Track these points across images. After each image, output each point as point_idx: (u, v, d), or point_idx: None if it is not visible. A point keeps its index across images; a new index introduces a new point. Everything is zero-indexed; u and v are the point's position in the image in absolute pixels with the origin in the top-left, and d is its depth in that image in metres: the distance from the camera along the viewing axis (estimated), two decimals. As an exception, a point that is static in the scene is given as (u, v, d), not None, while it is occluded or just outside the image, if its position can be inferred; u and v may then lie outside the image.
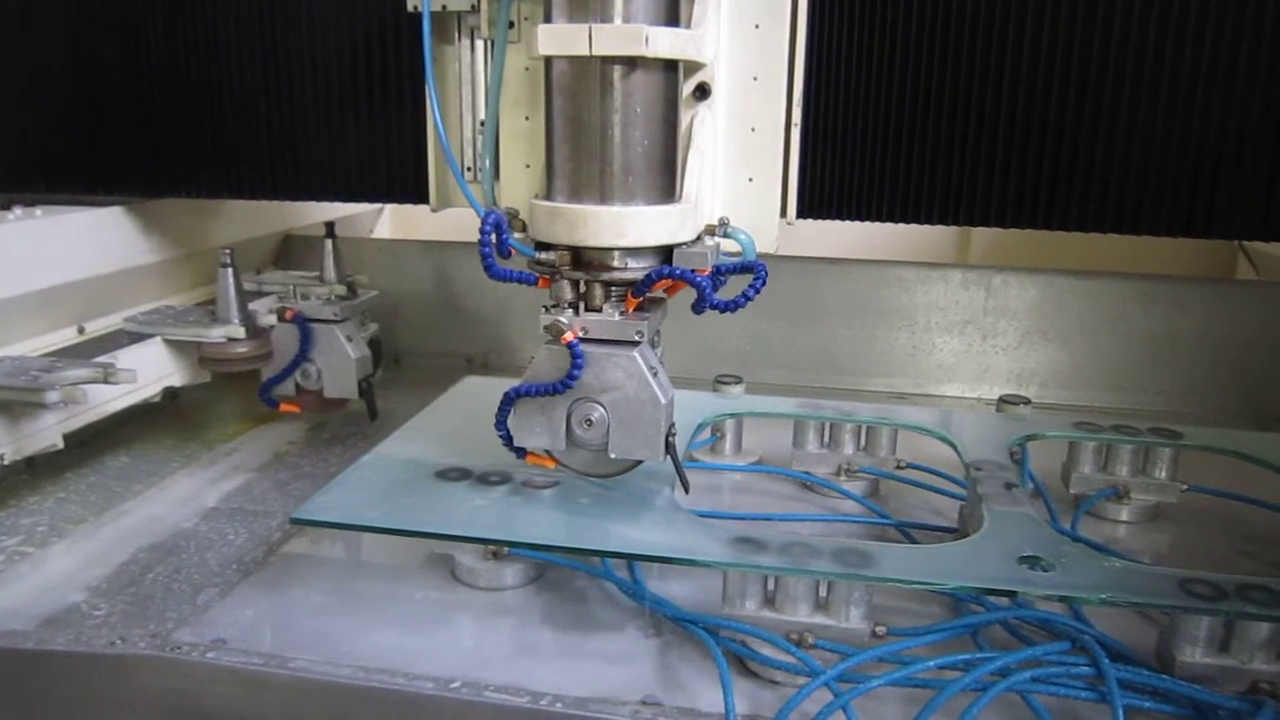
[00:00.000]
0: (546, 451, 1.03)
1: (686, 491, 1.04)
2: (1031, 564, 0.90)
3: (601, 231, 0.93)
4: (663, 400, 0.96)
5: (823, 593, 0.92)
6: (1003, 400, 1.40)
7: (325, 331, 1.46)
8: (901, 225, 1.23)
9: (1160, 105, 1.11)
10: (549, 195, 0.97)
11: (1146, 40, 1.10)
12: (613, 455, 0.98)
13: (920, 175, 1.18)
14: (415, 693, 0.88)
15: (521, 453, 1.04)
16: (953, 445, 1.23)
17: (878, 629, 0.92)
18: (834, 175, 1.18)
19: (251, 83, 1.33)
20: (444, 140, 1.07)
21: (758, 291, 0.95)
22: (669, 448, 0.98)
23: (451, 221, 2.11)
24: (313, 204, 1.88)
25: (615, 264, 0.95)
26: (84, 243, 1.39)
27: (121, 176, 1.42)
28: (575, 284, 0.97)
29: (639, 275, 0.95)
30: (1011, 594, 0.92)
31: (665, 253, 0.97)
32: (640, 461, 1.02)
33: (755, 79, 1.05)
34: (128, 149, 1.40)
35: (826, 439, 1.33)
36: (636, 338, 0.96)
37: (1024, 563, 0.91)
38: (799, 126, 1.09)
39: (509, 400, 0.99)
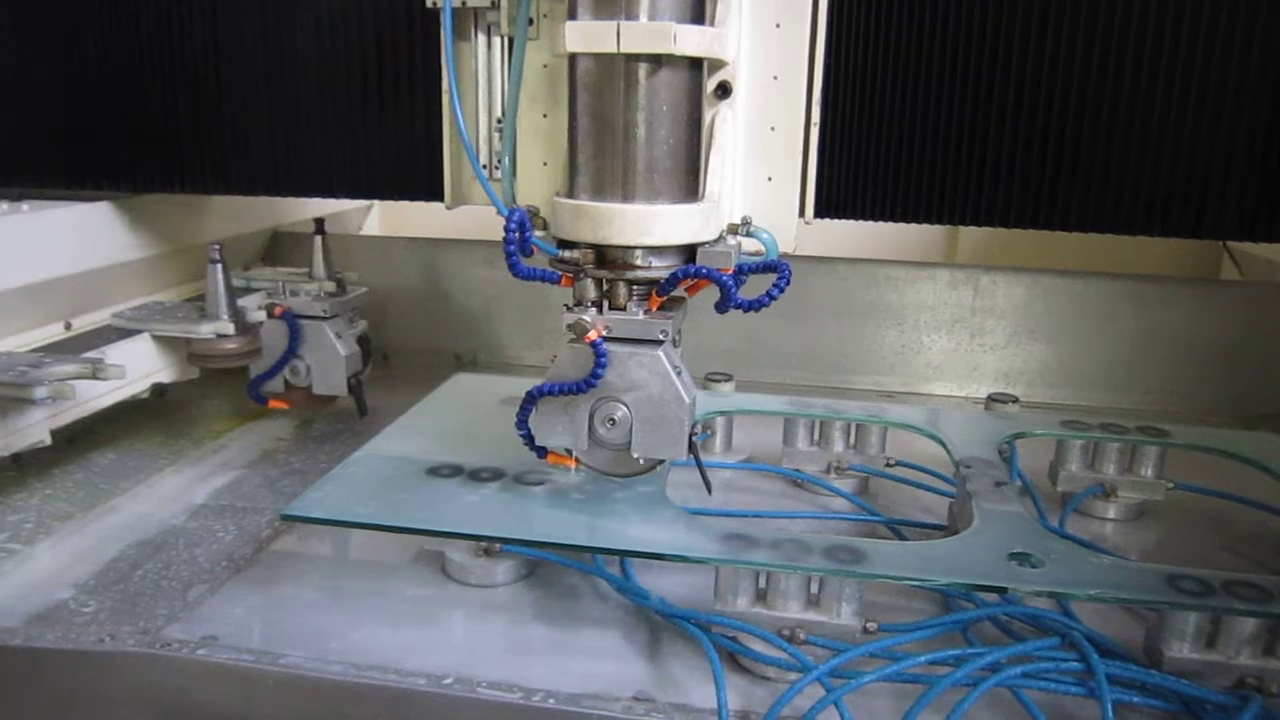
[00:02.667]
0: (568, 450, 1.03)
1: (710, 492, 1.04)
2: (1021, 560, 0.91)
3: (626, 230, 0.92)
4: (687, 399, 0.95)
5: (814, 589, 0.93)
6: (991, 399, 1.41)
7: (314, 328, 1.46)
8: (890, 225, 1.24)
9: (1155, 110, 1.13)
10: (572, 193, 0.96)
11: (1144, 46, 1.11)
12: (636, 455, 0.98)
13: (938, 175, 1.19)
14: (408, 689, 0.88)
15: (543, 452, 1.03)
16: (942, 443, 1.23)
17: (869, 625, 0.92)
18: (853, 175, 1.19)
19: (254, 76, 1.32)
20: (465, 137, 1.06)
21: (782, 291, 0.95)
22: (692, 447, 0.98)
23: (441, 219, 2.11)
24: (302, 200, 1.88)
25: (639, 263, 0.94)
26: (71, 238, 1.38)
27: (112, 171, 1.41)
28: (599, 282, 0.96)
29: (663, 274, 0.94)
30: (1001, 590, 0.92)
31: (688, 252, 0.96)
32: (662, 461, 1.02)
33: (775, 78, 1.05)
34: (119, 143, 1.39)
35: (816, 437, 1.33)
36: (661, 336, 0.95)
37: (1013, 559, 0.91)
38: (818, 126, 1.09)
39: (531, 399, 0.98)
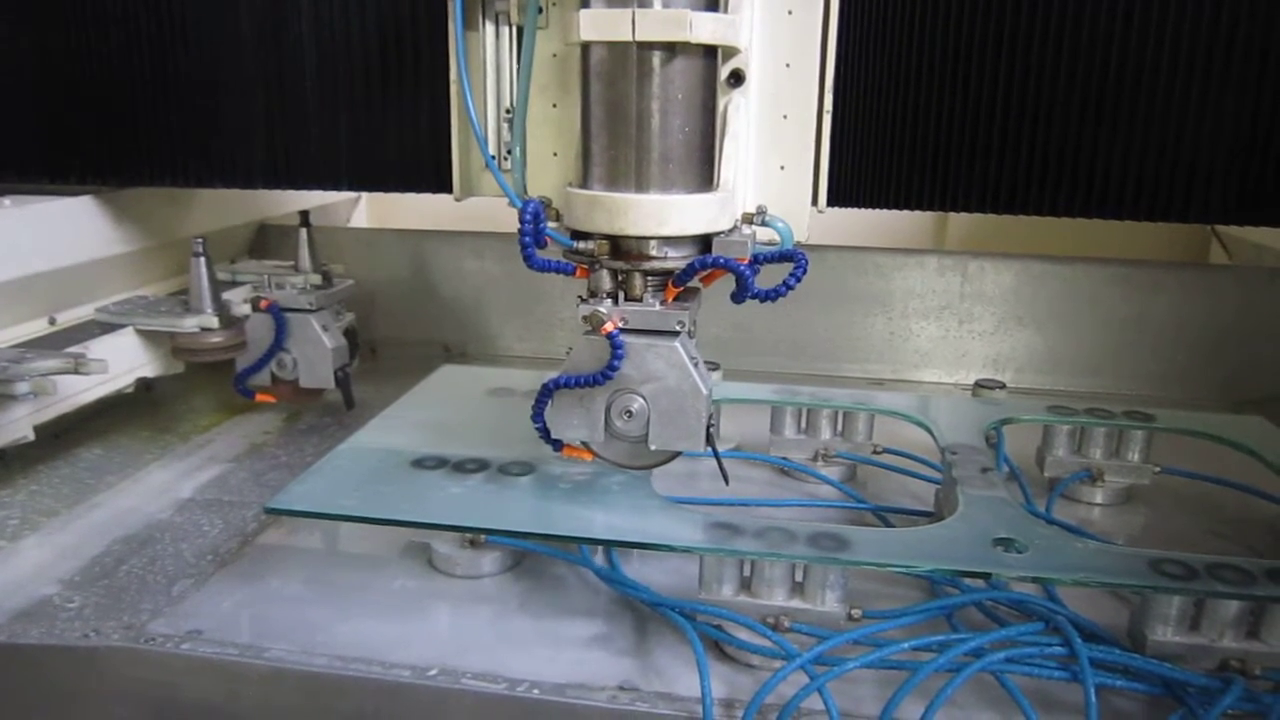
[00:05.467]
0: (582, 443, 1.02)
1: (727, 483, 1.04)
2: (1006, 546, 0.91)
3: (642, 220, 0.91)
4: (704, 391, 0.94)
5: (799, 577, 0.93)
6: (978, 385, 1.41)
7: (301, 321, 1.45)
8: (879, 211, 1.23)
9: (1143, 95, 1.13)
10: (585, 183, 0.95)
11: (1131, 31, 1.11)
12: (653, 447, 0.97)
13: (951, 163, 1.18)
14: (393, 681, 0.88)
15: (558, 445, 1.03)
16: (929, 430, 1.24)
17: (853, 612, 0.92)
18: (866, 163, 1.18)
19: (254, 65, 1.30)
20: (477, 129, 1.04)
21: (799, 280, 0.94)
22: (709, 438, 0.97)
23: (429, 211, 2.10)
24: (289, 193, 1.87)
25: (655, 253, 0.93)
26: (55, 232, 1.38)
27: (98, 166, 1.40)
28: (614, 273, 0.95)
29: (679, 264, 0.93)
30: (986, 576, 0.92)
31: (704, 242, 0.95)
32: (679, 453, 1.02)
33: (788, 66, 1.03)
34: (108, 137, 1.38)
35: (804, 425, 1.33)
36: (677, 328, 0.94)
37: (998, 545, 0.92)
38: (831, 114, 1.08)
39: (547, 392, 0.97)
